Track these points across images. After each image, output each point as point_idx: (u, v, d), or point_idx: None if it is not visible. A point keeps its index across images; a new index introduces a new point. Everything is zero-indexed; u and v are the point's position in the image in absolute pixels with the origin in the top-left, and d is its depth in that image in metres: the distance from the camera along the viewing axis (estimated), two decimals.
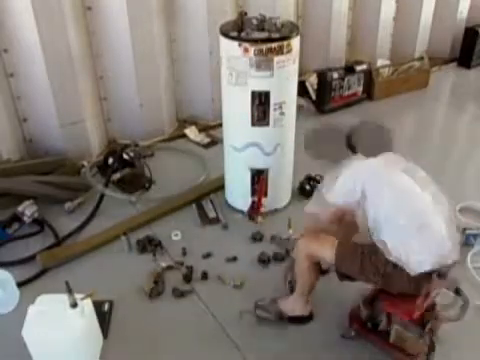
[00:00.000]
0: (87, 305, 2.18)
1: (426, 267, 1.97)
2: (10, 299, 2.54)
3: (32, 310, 2.14)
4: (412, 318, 2.07)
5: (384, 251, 2.01)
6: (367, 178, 2.08)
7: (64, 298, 2.08)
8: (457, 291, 2.13)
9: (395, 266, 2.01)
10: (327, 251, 2.17)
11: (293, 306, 2.42)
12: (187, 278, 2.67)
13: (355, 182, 2.07)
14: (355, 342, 2.35)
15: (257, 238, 2.95)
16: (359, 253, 2.10)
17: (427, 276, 2.00)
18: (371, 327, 2.28)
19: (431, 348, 2.16)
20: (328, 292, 2.54)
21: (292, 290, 2.49)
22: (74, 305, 2.08)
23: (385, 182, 2.07)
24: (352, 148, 2.23)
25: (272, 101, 2.74)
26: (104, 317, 2.44)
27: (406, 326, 2.13)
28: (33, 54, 3.28)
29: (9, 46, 3.29)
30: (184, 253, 2.86)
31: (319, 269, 2.32)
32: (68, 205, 3.22)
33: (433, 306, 2.14)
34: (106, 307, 2.50)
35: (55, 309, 2.11)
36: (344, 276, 2.21)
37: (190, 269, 2.71)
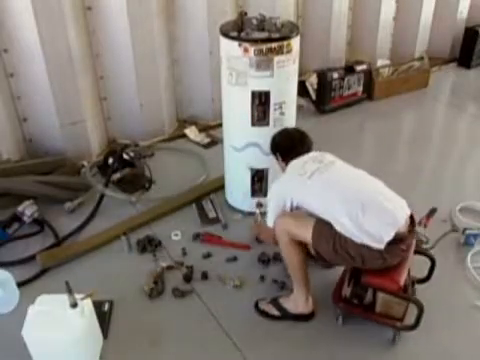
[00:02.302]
0: (87, 305, 2.17)
1: (387, 237, 2.09)
2: (10, 299, 2.54)
3: (32, 310, 2.14)
4: (400, 287, 2.18)
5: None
6: (289, 192, 2.29)
7: (64, 298, 2.08)
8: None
9: (364, 246, 2.11)
10: (303, 229, 2.25)
11: (295, 303, 2.43)
12: (187, 278, 2.67)
13: (282, 201, 2.30)
14: (354, 340, 2.36)
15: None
16: (332, 235, 2.17)
17: (393, 245, 2.12)
18: (357, 302, 2.35)
19: (420, 309, 2.20)
20: (327, 292, 2.55)
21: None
22: (74, 305, 2.08)
23: (305, 189, 2.26)
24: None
25: (272, 101, 2.74)
26: (104, 317, 2.44)
27: (391, 294, 2.24)
28: (33, 54, 3.28)
29: (9, 46, 3.29)
30: (184, 253, 2.86)
31: (303, 248, 2.32)
32: (68, 205, 3.22)
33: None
34: (106, 307, 2.50)
35: (55, 309, 2.11)
36: (321, 257, 2.30)
37: (190, 269, 2.71)
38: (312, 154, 2.42)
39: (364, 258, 2.14)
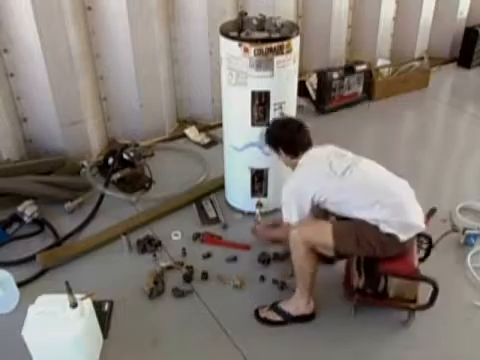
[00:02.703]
0: (87, 305, 2.18)
1: (418, 230, 2.25)
2: (10, 299, 2.54)
3: (32, 310, 2.14)
4: (415, 270, 2.28)
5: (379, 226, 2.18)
6: (314, 188, 2.27)
7: (64, 298, 2.08)
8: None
9: (388, 235, 2.19)
10: (323, 235, 2.27)
11: (296, 305, 2.42)
12: (187, 278, 2.67)
13: (305, 197, 2.29)
14: (354, 339, 2.37)
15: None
16: (353, 230, 2.23)
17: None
18: (371, 291, 2.39)
19: (435, 287, 2.28)
20: (326, 291, 2.55)
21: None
22: (74, 305, 2.08)
23: (338, 185, 2.26)
24: None
25: (272, 101, 2.74)
26: (104, 317, 2.44)
27: (408, 278, 2.33)
28: (33, 54, 3.29)
29: (9, 46, 3.29)
30: (184, 253, 2.86)
31: (316, 256, 2.33)
32: (68, 205, 3.22)
33: None
34: (106, 307, 2.50)
35: (55, 309, 2.11)
36: (340, 255, 2.36)
37: (190, 269, 2.71)
38: (328, 150, 2.41)
39: (385, 246, 2.21)
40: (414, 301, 2.37)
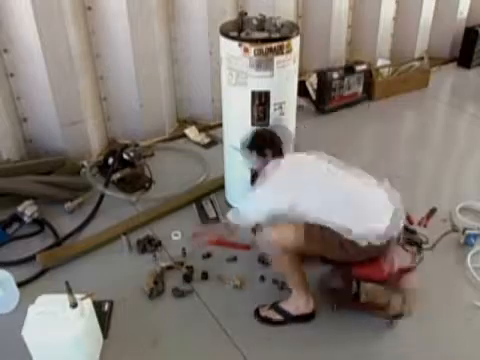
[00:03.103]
0: (87, 305, 2.18)
1: (384, 237, 2.16)
2: (10, 299, 2.54)
3: (32, 310, 2.14)
4: (386, 278, 2.21)
5: (343, 233, 2.15)
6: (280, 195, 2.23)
7: (64, 298, 2.08)
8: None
9: (352, 242, 2.15)
10: (288, 235, 2.23)
11: (296, 304, 2.43)
12: (187, 278, 2.67)
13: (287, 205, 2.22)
14: (354, 340, 2.37)
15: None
16: (320, 235, 2.19)
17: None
18: (345, 293, 2.40)
19: (403, 297, 2.26)
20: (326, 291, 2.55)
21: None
22: (74, 305, 2.08)
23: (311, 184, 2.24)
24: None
25: (272, 101, 2.74)
26: (104, 317, 2.44)
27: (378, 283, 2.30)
28: (33, 54, 3.29)
29: (9, 46, 3.29)
30: (184, 253, 2.86)
31: (298, 258, 2.30)
32: (68, 205, 3.22)
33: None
34: (106, 307, 2.50)
35: (55, 309, 2.11)
36: (329, 261, 2.34)
37: (190, 269, 2.72)
38: (308, 158, 2.41)
39: (349, 252, 2.17)
40: (385, 308, 2.33)
